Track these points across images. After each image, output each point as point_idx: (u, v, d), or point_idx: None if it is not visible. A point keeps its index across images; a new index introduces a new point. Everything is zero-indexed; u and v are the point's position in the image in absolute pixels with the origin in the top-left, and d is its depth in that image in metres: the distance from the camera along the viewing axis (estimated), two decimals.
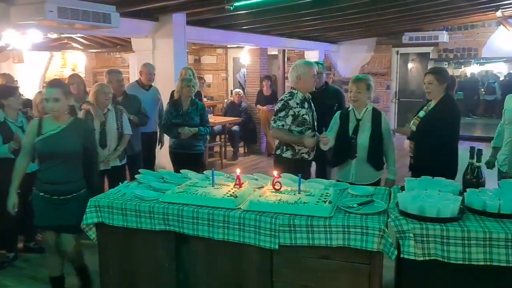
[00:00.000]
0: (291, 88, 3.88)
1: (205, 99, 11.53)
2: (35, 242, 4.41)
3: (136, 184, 3.10)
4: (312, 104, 3.94)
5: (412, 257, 2.27)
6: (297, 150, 3.80)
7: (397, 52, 11.37)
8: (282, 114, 3.74)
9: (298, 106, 3.75)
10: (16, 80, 6.73)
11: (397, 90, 11.50)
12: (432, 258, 2.27)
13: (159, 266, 2.75)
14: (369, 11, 7.21)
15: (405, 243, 2.29)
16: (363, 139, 3.58)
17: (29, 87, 10.64)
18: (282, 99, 3.82)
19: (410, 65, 11.60)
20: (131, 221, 2.73)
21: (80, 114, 4.42)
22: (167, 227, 2.67)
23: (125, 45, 9.06)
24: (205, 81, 8.16)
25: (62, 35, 8.04)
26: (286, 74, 11.95)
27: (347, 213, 2.50)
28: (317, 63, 4.65)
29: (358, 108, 3.66)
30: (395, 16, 8.00)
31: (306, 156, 3.84)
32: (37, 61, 11.32)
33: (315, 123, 3.93)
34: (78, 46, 9.86)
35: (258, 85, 9.21)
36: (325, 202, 2.54)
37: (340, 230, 2.38)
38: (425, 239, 2.27)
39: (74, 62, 11.86)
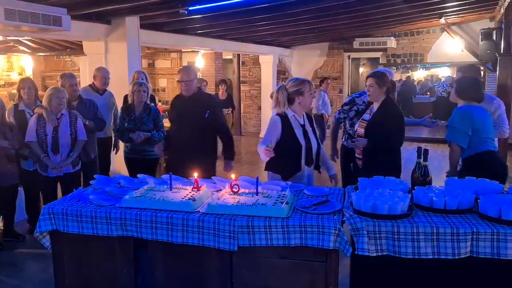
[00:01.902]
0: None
1: (159, 104, 11.42)
2: None
3: (92, 190, 3.04)
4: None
5: (366, 254, 2.37)
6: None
7: (349, 56, 11.74)
8: (346, 107, 4.46)
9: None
10: None
11: (349, 93, 11.84)
12: (384, 253, 2.38)
13: (117, 273, 2.71)
14: (321, 17, 7.42)
15: (359, 240, 2.39)
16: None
17: None
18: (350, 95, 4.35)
19: (361, 69, 12.00)
20: (87, 227, 2.68)
21: (32, 119, 4.29)
22: (125, 233, 2.64)
23: (75, 48, 8.83)
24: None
25: (8, 38, 7.73)
26: (241, 78, 12.09)
27: (304, 213, 2.57)
28: None
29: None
30: (346, 22, 8.27)
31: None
32: None
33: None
34: (26, 49, 9.51)
35: (213, 89, 9.22)
36: (282, 203, 2.60)
37: (297, 230, 2.45)
38: (377, 235, 2.38)
39: (21, 65, 11.40)
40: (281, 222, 2.46)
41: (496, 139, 4.06)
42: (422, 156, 2.89)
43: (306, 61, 12.03)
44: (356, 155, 3.96)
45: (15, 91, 4.92)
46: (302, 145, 3.48)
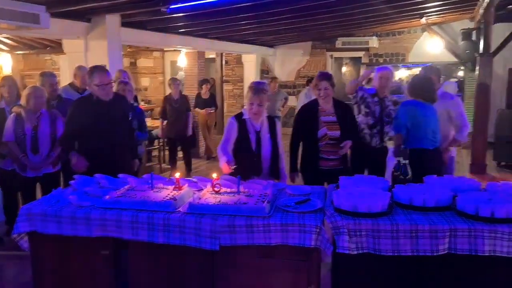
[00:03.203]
0: None
1: (142, 103, 11.32)
2: None
3: (71, 190, 3.00)
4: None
5: (346, 252, 2.39)
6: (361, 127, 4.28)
7: (331, 56, 11.80)
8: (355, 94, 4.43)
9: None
10: None
11: None
12: (365, 251, 2.40)
13: (97, 274, 2.68)
14: (303, 16, 7.44)
15: (340, 238, 2.41)
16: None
17: None
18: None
19: (344, 69, 12.07)
20: (66, 228, 2.64)
21: (10, 118, 4.21)
22: (105, 233, 2.61)
23: (55, 46, 8.69)
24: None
25: None
26: (224, 77, 12.06)
27: (285, 211, 2.57)
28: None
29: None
30: (329, 21, 8.31)
31: (368, 138, 4.29)
32: None
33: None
34: (3, 47, 9.34)
35: (196, 89, 9.18)
36: (263, 202, 2.60)
37: (279, 228, 2.45)
38: (358, 233, 2.40)
39: (0, 64, 11.18)
40: (262, 221, 2.46)
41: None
42: (400, 155, 2.92)
43: (289, 60, 12.06)
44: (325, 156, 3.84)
45: None
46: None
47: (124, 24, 6.37)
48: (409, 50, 11.02)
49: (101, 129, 3.68)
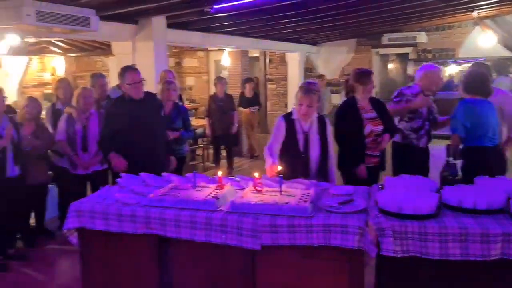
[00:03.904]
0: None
1: (187, 102, 11.53)
2: (16, 249, 4.35)
3: (118, 188, 3.09)
4: None
5: (391, 254, 2.32)
6: (406, 134, 4.12)
7: (377, 53, 11.52)
8: (396, 99, 4.20)
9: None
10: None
11: (377, 90, 11.63)
12: (411, 254, 2.32)
13: (142, 270, 2.74)
14: (348, 13, 7.30)
15: (384, 241, 2.34)
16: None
17: (8, 93, 10.47)
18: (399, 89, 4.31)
19: (390, 66, 11.77)
20: (113, 225, 2.72)
21: (62, 118, 4.40)
22: (150, 231, 2.67)
23: (105, 48, 8.99)
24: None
25: (41, 39, 7.94)
26: (267, 76, 12.05)
27: (328, 212, 2.53)
28: None
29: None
30: (374, 17, 8.12)
31: (415, 141, 4.09)
32: (15, 66, 11.14)
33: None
34: (57, 50, 9.74)
35: (239, 88, 9.23)
36: (306, 202, 2.57)
37: (321, 229, 2.42)
38: (403, 236, 2.32)
39: (53, 66, 11.70)
40: (304, 221, 2.43)
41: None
42: (451, 155, 2.80)
43: (333, 58, 11.87)
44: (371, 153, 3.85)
45: (48, 91, 5.08)
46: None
47: (170, 25, 6.50)
48: (459, 45, 10.57)
49: (134, 128, 3.76)
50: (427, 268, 2.35)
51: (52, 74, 11.46)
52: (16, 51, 8.94)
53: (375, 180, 3.83)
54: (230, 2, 5.74)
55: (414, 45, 10.87)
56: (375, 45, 11.35)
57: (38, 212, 4.83)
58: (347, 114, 3.87)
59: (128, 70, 3.82)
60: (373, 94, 4.21)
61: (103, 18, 5.30)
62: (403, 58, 11.33)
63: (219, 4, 5.61)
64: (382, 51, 11.46)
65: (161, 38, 6.31)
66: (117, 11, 5.48)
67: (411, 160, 4.18)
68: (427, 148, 4.28)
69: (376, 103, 3.98)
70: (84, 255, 2.87)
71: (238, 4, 5.83)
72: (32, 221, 4.87)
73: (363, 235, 2.37)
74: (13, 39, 6.09)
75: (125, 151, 3.74)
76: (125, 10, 5.50)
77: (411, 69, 10.61)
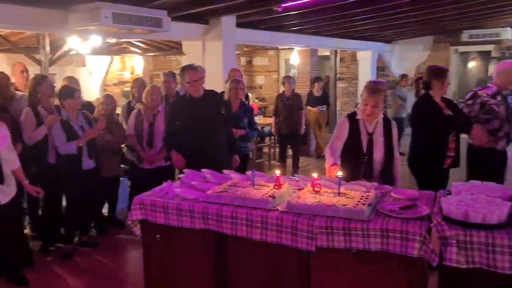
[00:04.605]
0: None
1: (256, 100, 11.64)
2: (89, 237, 4.65)
3: (179, 183, 3.18)
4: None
5: (454, 265, 2.17)
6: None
7: (456, 50, 10.90)
8: (470, 102, 4.03)
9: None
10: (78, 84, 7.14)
11: (456, 90, 11.01)
12: (476, 266, 2.16)
13: (199, 264, 2.80)
14: (425, 8, 6.97)
15: (448, 250, 2.19)
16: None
17: (91, 90, 11.23)
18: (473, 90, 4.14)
19: (470, 64, 11.08)
20: (173, 219, 2.80)
21: (133, 114, 4.63)
22: (207, 226, 2.71)
23: (180, 48, 9.32)
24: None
25: (121, 40, 8.39)
26: (338, 74, 11.84)
27: (387, 216, 2.43)
28: None
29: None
30: (454, 12, 7.67)
31: (492, 144, 3.93)
32: (98, 65, 11.90)
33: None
34: (137, 50, 10.26)
35: (308, 87, 9.16)
36: (364, 204, 2.49)
37: (379, 234, 2.32)
38: (469, 246, 2.16)
39: (133, 65, 12.35)
40: (361, 225, 2.35)
41: None
42: None
43: (408, 57, 11.40)
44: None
45: (127, 89, 5.38)
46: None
47: (239, 25, 6.60)
48: None
49: (194, 126, 3.82)
50: (495, 282, 2.17)
51: (131, 73, 12.11)
52: (99, 51, 9.55)
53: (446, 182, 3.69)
54: (298, 0, 5.70)
55: (497, 42, 10.14)
56: (454, 42, 10.73)
57: (110, 203, 5.13)
58: (426, 111, 3.74)
59: (187, 69, 3.88)
60: (449, 95, 4.03)
61: (175, 18, 5.50)
62: (484, 56, 10.62)
63: (287, 3, 5.59)
64: (462, 48, 10.83)
65: (230, 37, 6.42)
66: (188, 12, 5.65)
67: (487, 164, 3.91)
68: (505, 151, 3.97)
69: (448, 103, 3.82)
70: (146, 247, 2.99)
71: (307, 2, 5.78)
72: (105, 211, 5.18)
73: (425, 243, 2.25)
74: (96, 40, 6.51)
75: (186, 148, 3.84)
76: (196, 10, 5.66)
77: (493, 68, 9.92)
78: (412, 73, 11.39)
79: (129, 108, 5.08)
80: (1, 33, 6.25)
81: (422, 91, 3.94)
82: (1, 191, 3.41)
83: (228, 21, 6.33)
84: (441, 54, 11.03)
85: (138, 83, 5.27)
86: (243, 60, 12.90)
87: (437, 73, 3.79)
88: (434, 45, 11.09)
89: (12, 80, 4.92)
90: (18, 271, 3.80)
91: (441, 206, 2.39)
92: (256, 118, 6.71)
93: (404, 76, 9.27)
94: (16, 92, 4.78)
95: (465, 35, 10.06)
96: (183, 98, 4.02)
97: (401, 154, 3.67)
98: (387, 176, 3.41)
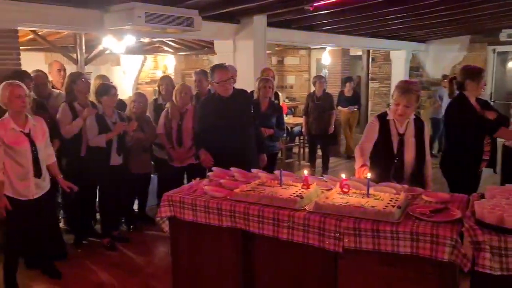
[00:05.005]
0: None
1: (286, 100, 11.61)
2: (120, 232, 4.75)
3: (208, 181, 3.21)
4: None
5: (487, 271, 2.10)
6: None
7: (494, 50, 10.54)
8: None
9: None
10: (112, 82, 7.30)
11: (493, 91, 10.66)
12: (511, 273, 2.09)
13: (226, 262, 2.82)
14: (462, 7, 6.77)
15: (480, 255, 2.13)
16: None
17: (124, 89, 11.47)
18: None
19: (509, 65, 10.70)
20: (201, 216, 2.83)
21: (163, 113, 4.70)
22: (234, 224, 2.73)
23: (211, 47, 9.40)
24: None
25: (154, 39, 8.53)
26: (370, 75, 11.66)
27: (417, 219, 2.37)
28: None
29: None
30: (493, 11, 7.41)
31: None
32: (132, 64, 12.15)
33: None
34: (169, 49, 10.40)
35: (339, 86, 9.07)
36: (393, 206, 2.44)
37: (408, 237, 2.27)
38: (503, 252, 2.09)
39: (165, 64, 12.54)
40: (390, 227, 2.31)
41: None
42: None
43: (443, 56, 11.11)
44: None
45: None
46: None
47: (271, 24, 6.60)
48: None
49: (222, 125, 3.83)
50: None
51: (164, 72, 12.29)
52: (133, 51, 9.75)
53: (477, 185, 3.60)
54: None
55: None
56: (492, 42, 10.39)
57: (141, 199, 5.22)
58: (459, 112, 3.66)
59: (217, 69, 3.90)
60: (486, 96, 3.90)
61: (206, 18, 5.54)
62: None
63: (319, 2, 5.55)
64: (500, 48, 10.45)
65: (261, 37, 6.43)
66: (219, 11, 5.69)
67: None
68: None
69: (484, 104, 3.72)
70: (174, 242, 3.03)
71: (338, 0, 5.71)
72: (135, 207, 5.28)
73: (456, 247, 2.18)
74: (130, 39, 6.65)
75: (215, 147, 3.86)
76: (227, 10, 5.69)
77: None
78: (447, 73, 11.12)
79: (155, 106, 5.15)
80: (40, 33, 6.45)
81: (457, 92, 3.83)
82: (37, 185, 3.53)
83: (259, 20, 6.34)
84: (478, 54, 10.69)
85: (166, 80, 5.31)
86: (274, 60, 12.90)
87: (472, 73, 3.68)
88: (471, 45, 10.76)
89: (50, 78, 5.08)
90: (53, 263, 3.93)
91: (474, 210, 2.33)
92: (285, 118, 6.71)
93: (445, 76, 9.09)
94: (53, 90, 4.93)
95: (503, 35, 9.71)
96: (212, 97, 4.05)
97: (433, 156, 3.58)
98: (417, 179, 3.34)
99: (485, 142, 3.67)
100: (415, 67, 11.51)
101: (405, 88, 3.21)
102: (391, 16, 7.13)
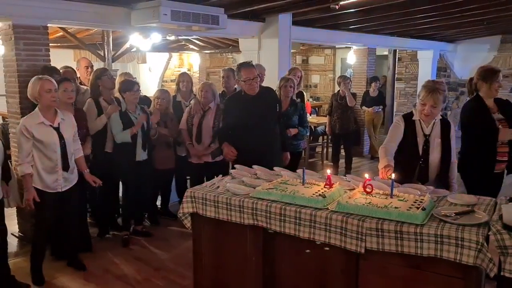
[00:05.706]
0: None
1: (310, 99, 11.56)
2: (143, 226, 4.81)
3: (230, 178, 3.22)
4: None
5: None
6: None
7: None
8: None
9: None
10: (135, 78, 7.41)
11: None
12: None
13: (247, 259, 2.83)
14: (492, 6, 6.60)
15: (507, 260, 2.08)
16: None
17: (150, 85, 11.63)
18: None
19: None
20: (222, 213, 2.84)
21: (187, 109, 4.76)
22: (256, 222, 2.73)
23: (236, 45, 9.43)
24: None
25: (180, 37, 8.61)
26: (396, 75, 11.49)
27: (442, 222, 2.33)
28: None
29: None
30: None
31: None
32: (158, 62, 12.30)
33: None
34: (194, 48, 10.49)
35: (364, 86, 8.97)
36: (418, 208, 2.40)
37: (433, 239, 2.23)
38: None
39: (190, 62, 12.65)
40: (414, 229, 2.27)
41: None
42: None
43: (472, 57, 10.84)
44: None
45: None
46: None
47: (295, 22, 6.57)
48: None
49: (247, 123, 3.83)
50: None
51: (189, 69, 12.41)
52: (158, 48, 9.87)
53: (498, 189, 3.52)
54: None
55: None
56: None
57: (164, 195, 5.28)
58: (471, 112, 3.59)
59: (243, 67, 3.87)
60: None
61: (231, 16, 5.56)
62: None
63: (345, 0, 5.50)
64: None
65: (286, 35, 6.41)
66: (244, 9, 5.70)
67: None
68: None
69: (502, 104, 3.62)
70: (196, 239, 3.05)
71: None
72: (158, 203, 5.35)
73: (482, 251, 2.13)
74: (156, 37, 6.73)
75: (239, 144, 3.86)
76: (253, 8, 5.70)
77: None
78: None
79: (174, 102, 5.19)
80: (69, 30, 6.59)
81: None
82: (66, 178, 3.61)
83: (284, 19, 6.32)
84: (508, 55, 10.41)
85: (185, 78, 5.34)
86: (299, 59, 12.86)
87: (485, 74, 3.58)
88: (502, 45, 10.49)
89: (78, 75, 5.19)
90: (78, 255, 4.02)
91: (501, 214, 2.27)
92: (309, 118, 6.67)
93: None
94: (81, 86, 5.03)
95: None
96: (238, 94, 4.05)
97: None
98: (443, 180, 3.28)
99: (500, 144, 3.55)
100: (442, 68, 11.30)
101: (432, 87, 3.15)
102: (418, 15, 7.01)
